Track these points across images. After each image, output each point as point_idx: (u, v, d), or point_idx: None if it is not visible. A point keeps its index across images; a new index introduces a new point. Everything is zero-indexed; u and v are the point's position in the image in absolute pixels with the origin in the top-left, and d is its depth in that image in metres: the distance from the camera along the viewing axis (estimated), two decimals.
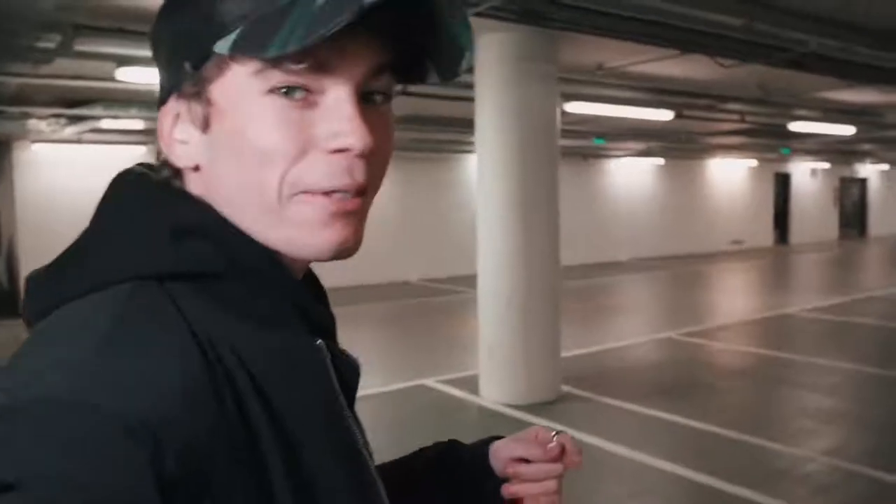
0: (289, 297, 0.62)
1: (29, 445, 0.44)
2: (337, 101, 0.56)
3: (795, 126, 11.04)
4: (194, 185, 0.61)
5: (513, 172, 5.70)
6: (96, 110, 7.98)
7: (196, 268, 0.57)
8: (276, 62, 0.53)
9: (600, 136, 13.21)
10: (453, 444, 0.90)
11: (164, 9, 0.60)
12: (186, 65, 0.57)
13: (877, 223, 26.31)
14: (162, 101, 0.61)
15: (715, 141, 15.46)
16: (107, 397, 0.47)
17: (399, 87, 0.61)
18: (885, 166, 26.06)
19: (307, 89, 0.55)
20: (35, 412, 0.45)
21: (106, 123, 8.69)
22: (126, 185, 0.61)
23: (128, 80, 5.89)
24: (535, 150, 5.74)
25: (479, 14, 4.79)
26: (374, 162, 0.59)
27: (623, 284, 14.08)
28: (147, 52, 3.07)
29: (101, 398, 0.47)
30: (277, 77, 0.54)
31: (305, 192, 0.57)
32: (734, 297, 12.10)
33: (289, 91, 0.55)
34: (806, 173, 23.27)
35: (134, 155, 10.43)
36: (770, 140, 14.42)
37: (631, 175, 18.44)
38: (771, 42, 5.61)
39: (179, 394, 0.49)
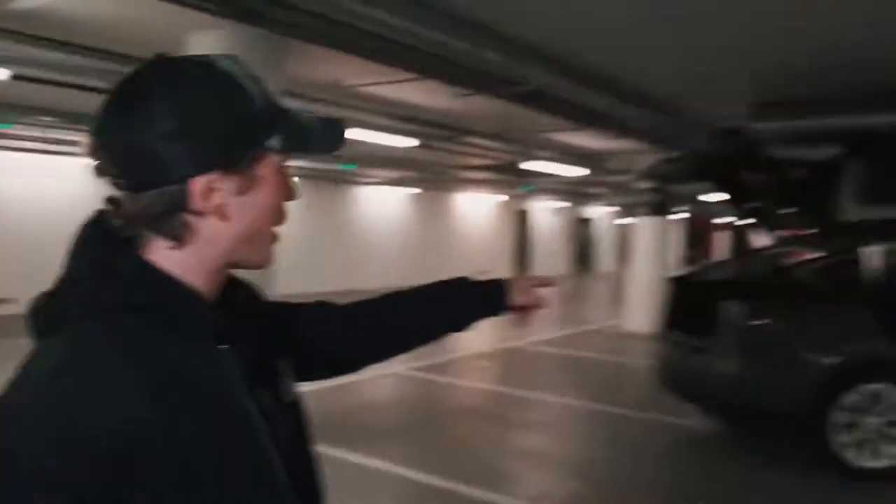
0: (202, 319, 0.86)
1: None
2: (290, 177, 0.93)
3: (530, 165, 11.54)
4: (215, 234, 0.87)
5: None
6: None
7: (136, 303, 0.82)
8: (297, 156, 0.93)
9: (350, 161, 12.87)
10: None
11: (200, 112, 0.82)
12: (250, 150, 0.85)
13: (601, 260, 29.15)
14: (176, 172, 0.82)
15: (465, 175, 15.93)
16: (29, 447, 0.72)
17: None
18: (611, 208, 29.03)
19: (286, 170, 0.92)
20: None
21: None
22: (89, 239, 0.87)
23: None
24: None
25: (185, 4, 4.11)
26: None
27: None
28: None
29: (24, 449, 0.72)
30: (281, 166, 0.90)
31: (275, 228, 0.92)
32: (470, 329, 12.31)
33: (281, 170, 0.90)
34: (543, 211, 25.07)
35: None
36: (512, 177, 15.11)
37: (385, 203, 18.43)
38: (502, 74, 5.56)
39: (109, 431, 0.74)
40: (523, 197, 22.85)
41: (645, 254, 11.52)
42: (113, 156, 0.82)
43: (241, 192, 0.85)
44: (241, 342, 0.90)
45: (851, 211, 5.59)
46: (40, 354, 0.79)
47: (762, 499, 4.58)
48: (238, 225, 0.86)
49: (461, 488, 4.53)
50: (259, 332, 0.97)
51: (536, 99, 6.52)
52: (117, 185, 0.84)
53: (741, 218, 6.68)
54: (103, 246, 0.85)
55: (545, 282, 1.37)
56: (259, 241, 0.90)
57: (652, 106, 7.36)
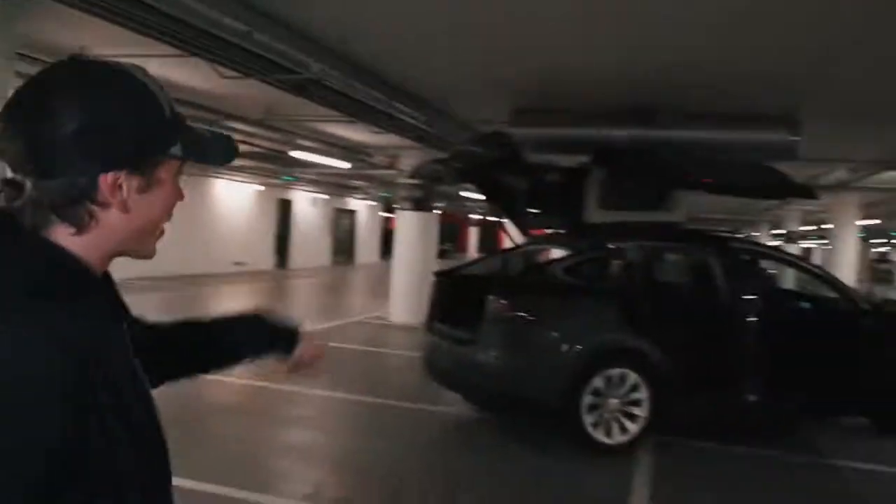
0: (107, 299, 0.96)
1: None
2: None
3: (296, 154, 11.28)
4: (113, 224, 0.93)
5: None
6: None
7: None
8: (194, 163, 0.99)
9: None
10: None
11: (121, 101, 0.91)
12: (157, 153, 0.94)
13: (362, 252, 29.52)
14: (88, 165, 0.88)
15: None
16: None
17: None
18: (372, 202, 29.47)
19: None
20: None
21: None
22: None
23: None
24: None
25: None
26: None
27: None
28: None
29: None
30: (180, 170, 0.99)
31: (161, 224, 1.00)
32: None
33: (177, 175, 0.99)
34: (306, 201, 24.73)
35: None
36: (274, 165, 14.67)
37: None
38: (275, 60, 5.32)
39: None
40: (285, 187, 22.32)
41: (407, 247, 11.82)
42: (22, 143, 0.86)
43: (142, 190, 0.93)
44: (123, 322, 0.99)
45: (595, 214, 6.17)
46: None
47: (523, 479, 4.89)
48: (136, 220, 0.94)
49: (230, 492, 4.26)
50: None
51: (309, 88, 6.36)
52: (20, 170, 0.87)
53: (499, 217, 7.05)
54: (6, 232, 0.88)
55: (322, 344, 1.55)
56: (150, 235, 0.99)
57: (420, 104, 7.54)
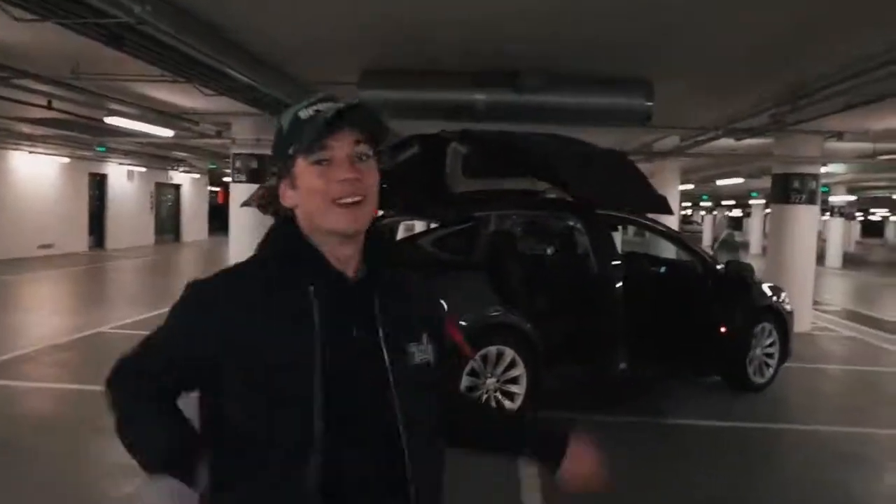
0: (310, 262, 1.30)
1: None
2: (339, 161, 1.26)
3: (113, 121, 9.92)
4: (299, 213, 1.31)
5: None
6: None
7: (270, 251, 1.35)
8: (309, 152, 1.26)
9: None
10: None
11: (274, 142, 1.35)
12: (287, 159, 1.30)
13: (189, 229, 27.52)
14: (277, 179, 1.34)
15: (19, 128, 13.16)
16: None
17: (377, 149, 1.31)
18: (198, 175, 27.46)
19: (326, 160, 1.26)
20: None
21: None
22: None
23: None
24: None
25: None
26: (367, 185, 1.27)
27: None
28: None
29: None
30: (313, 158, 1.26)
31: (333, 202, 1.26)
32: (40, 315, 10.25)
33: (318, 162, 1.26)
34: (123, 175, 22.50)
35: None
36: (85, 134, 12.95)
37: None
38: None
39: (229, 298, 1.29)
40: (97, 158, 20.09)
41: (244, 223, 10.87)
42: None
43: (294, 187, 1.30)
44: (358, 294, 1.31)
45: (458, 182, 5.76)
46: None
47: None
48: (303, 207, 1.30)
49: None
50: (371, 304, 1.31)
51: (127, 38, 5.38)
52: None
53: None
54: (276, 221, 1.38)
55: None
56: (322, 214, 1.27)
57: (256, 63, 6.71)
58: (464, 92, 6.65)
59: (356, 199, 1.24)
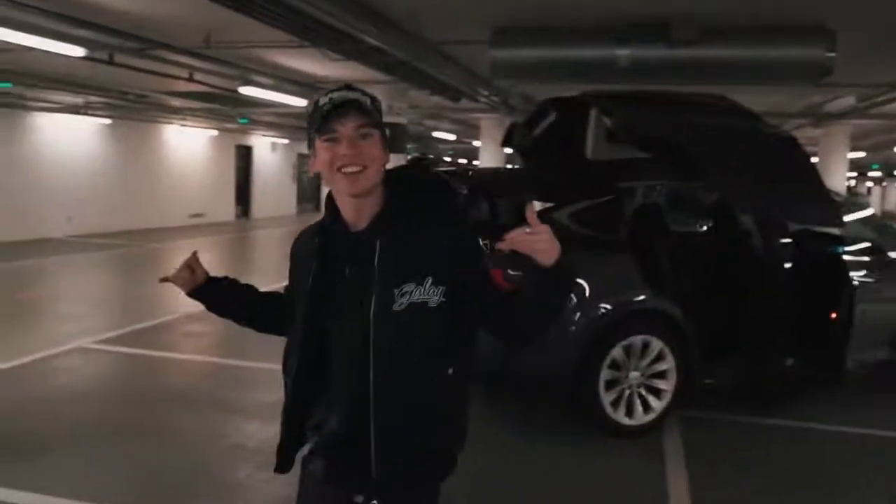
0: (326, 217, 1.66)
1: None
2: (343, 139, 1.52)
3: (248, 91, 9.98)
4: (322, 176, 1.58)
5: None
6: None
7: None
8: (321, 131, 1.53)
9: (3, 79, 10.19)
10: None
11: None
12: (311, 138, 1.58)
13: None
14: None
15: (169, 102, 13.71)
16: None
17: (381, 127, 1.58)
18: None
19: (334, 139, 1.52)
20: None
21: None
22: None
23: None
24: None
25: None
26: (366, 157, 1.52)
27: (50, 269, 11.35)
28: None
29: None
30: (324, 136, 1.53)
31: (337, 171, 1.53)
32: None
33: (328, 140, 1.53)
34: (267, 147, 23.28)
35: None
36: (225, 106, 13.28)
37: (68, 134, 15.36)
38: None
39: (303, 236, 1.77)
40: (242, 131, 20.85)
41: None
42: None
43: (315, 157, 1.58)
44: (352, 240, 1.60)
45: (602, 151, 5.10)
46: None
47: (541, 472, 3.98)
48: (322, 173, 1.57)
49: None
50: (380, 248, 1.56)
51: (253, 1, 5.16)
52: None
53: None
54: None
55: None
56: (330, 180, 1.57)
57: (380, 22, 6.31)
58: (605, 47, 5.95)
59: (355, 168, 1.52)
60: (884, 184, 42.56)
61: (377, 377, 1.51)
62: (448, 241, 1.59)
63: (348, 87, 1.55)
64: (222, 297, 1.88)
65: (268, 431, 4.45)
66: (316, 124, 1.52)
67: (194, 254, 1.87)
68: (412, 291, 1.52)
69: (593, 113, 5.07)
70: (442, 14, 6.33)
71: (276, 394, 5.22)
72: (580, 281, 4.37)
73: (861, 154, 20.80)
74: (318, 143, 1.54)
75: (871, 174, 37.70)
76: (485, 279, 1.61)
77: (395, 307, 1.51)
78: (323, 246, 1.61)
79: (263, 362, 5.82)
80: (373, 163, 1.53)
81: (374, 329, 1.51)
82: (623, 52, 5.77)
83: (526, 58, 6.34)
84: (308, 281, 1.61)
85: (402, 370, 1.53)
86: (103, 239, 14.79)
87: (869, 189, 42.25)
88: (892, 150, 18.95)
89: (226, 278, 1.90)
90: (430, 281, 1.53)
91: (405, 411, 1.54)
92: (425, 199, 1.68)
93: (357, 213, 1.58)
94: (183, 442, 4.34)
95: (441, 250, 1.57)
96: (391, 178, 1.60)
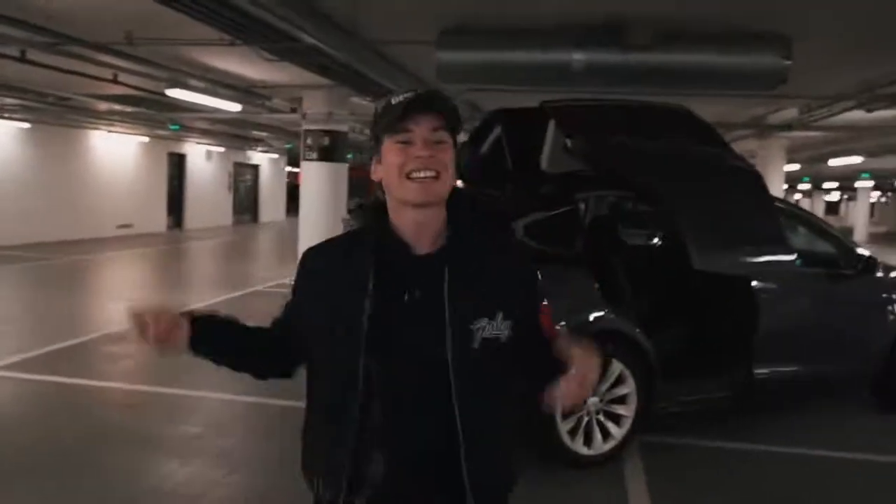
0: (376, 235, 1.45)
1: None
2: (417, 141, 1.38)
3: (175, 93, 9.36)
4: (385, 187, 1.43)
5: None
6: None
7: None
8: (393, 131, 1.39)
9: None
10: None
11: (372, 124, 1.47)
12: (378, 138, 1.44)
13: (267, 209, 27.43)
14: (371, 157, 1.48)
15: (94, 105, 12.90)
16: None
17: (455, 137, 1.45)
18: (276, 155, 27.29)
19: (406, 141, 1.38)
20: None
21: None
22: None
23: None
24: None
25: None
26: (441, 162, 1.38)
27: None
28: None
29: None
30: (396, 138, 1.39)
31: (407, 176, 1.38)
32: (103, 299, 9.88)
33: (401, 141, 1.39)
34: (202, 155, 22.44)
35: None
36: (153, 110, 12.57)
37: None
38: None
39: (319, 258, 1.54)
40: (175, 138, 20.00)
41: (315, 203, 10.21)
42: None
43: (381, 162, 1.43)
44: (409, 265, 1.42)
45: (559, 163, 4.76)
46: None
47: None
48: (385, 181, 1.42)
49: None
50: (443, 275, 1.40)
51: None
52: None
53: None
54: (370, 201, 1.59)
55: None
56: (397, 186, 1.39)
57: (318, 19, 5.87)
58: (558, 51, 5.66)
59: (429, 174, 1.37)
60: (811, 196, 44.10)
61: (465, 422, 1.37)
62: (513, 272, 1.51)
63: (427, 90, 1.43)
64: (222, 335, 1.54)
65: (185, 472, 3.96)
66: (386, 123, 1.39)
67: (162, 311, 1.38)
68: (485, 327, 1.39)
69: (551, 125, 4.71)
70: (385, 11, 5.94)
71: (199, 425, 4.77)
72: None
73: (796, 167, 21.29)
74: (388, 145, 1.40)
75: (800, 186, 38.93)
76: (537, 315, 1.59)
77: (474, 344, 1.38)
78: (379, 265, 1.40)
79: (189, 389, 5.29)
80: (445, 170, 1.39)
81: (455, 370, 1.36)
82: (578, 57, 5.49)
83: (475, 61, 6.01)
84: (359, 304, 1.37)
85: (486, 413, 1.42)
86: (19, 251, 13.81)
87: (797, 201, 43.73)
88: (825, 163, 19.42)
89: (211, 314, 1.54)
90: (500, 315, 1.41)
91: (494, 458, 1.45)
92: (487, 226, 1.60)
93: (419, 231, 1.41)
94: (90, 487, 3.79)
95: (508, 282, 1.47)
96: (451, 199, 1.44)
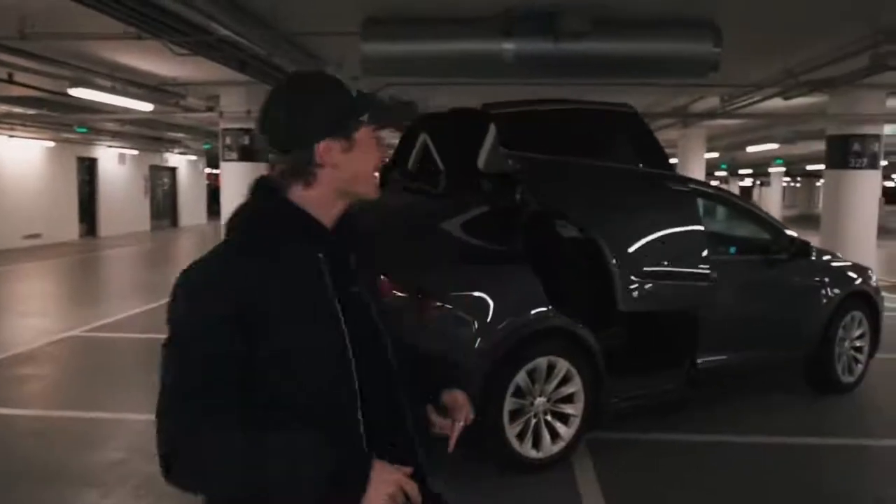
0: (313, 231, 1.35)
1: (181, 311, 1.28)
2: (381, 141, 1.44)
3: (79, 93, 8.73)
4: (329, 174, 1.34)
5: None
6: None
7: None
8: (382, 126, 1.41)
9: None
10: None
11: (318, 95, 1.35)
12: (350, 123, 1.34)
13: (187, 213, 26.42)
14: (307, 140, 1.33)
15: None
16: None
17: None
18: (194, 156, 26.30)
19: (380, 137, 1.38)
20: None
21: None
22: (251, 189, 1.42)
23: None
24: None
25: None
26: None
27: None
28: None
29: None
30: (376, 134, 1.38)
31: (374, 172, 1.41)
32: (7, 316, 9.18)
33: (377, 136, 1.39)
34: (114, 159, 21.36)
35: None
36: (57, 112, 11.78)
37: None
38: None
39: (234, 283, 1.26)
40: (84, 142, 18.95)
41: (237, 205, 9.76)
42: (271, 132, 1.34)
43: (346, 150, 1.34)
44: (343, 253, 1.39)
45: (496, 163, 4.55)
46: (213, 248, 1.34)
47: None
48: (345, 172, 1.34)
49: None
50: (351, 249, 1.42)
51: None
52: (272, 150, 1.35)
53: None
54: (257, 192, 1.40)
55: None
56: (365, 180, 1.38)
57: (232, 8, 5.51)
58: (489, 41, 5.47)
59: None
60: (727, 182, 45.63)
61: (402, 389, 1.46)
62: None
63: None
64: None
65: (106, 503, 3.57)
66: (368, 109, 1.37)
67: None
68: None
69: (492, 128, 4.47)
70: (305, 1, 5.62)
71: (122, 451, 4.36)
72: (478, 297, 3.85)
73: (715, 154, 21.88)
74: (367, 136, 1.37)
75: (717, 174, 40.22)
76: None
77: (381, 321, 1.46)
78: (327, 263, 1.37)
79: (109, 412, 4.86)
80: None
81: (390, 347, 1.44)
82: (508, 47, 5.31)
83: (401, 52, 5.75)
84: (320, 296, 1.31)
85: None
86: None
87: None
88: (743, 150, 20.02)
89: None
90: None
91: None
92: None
93: (335, 220, 1.41)
94: None
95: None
96: None
